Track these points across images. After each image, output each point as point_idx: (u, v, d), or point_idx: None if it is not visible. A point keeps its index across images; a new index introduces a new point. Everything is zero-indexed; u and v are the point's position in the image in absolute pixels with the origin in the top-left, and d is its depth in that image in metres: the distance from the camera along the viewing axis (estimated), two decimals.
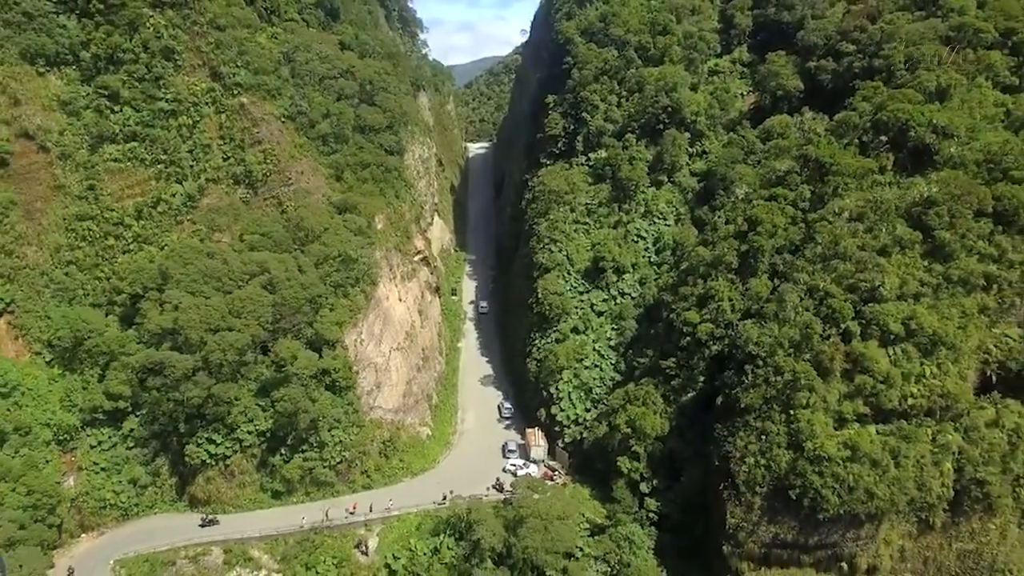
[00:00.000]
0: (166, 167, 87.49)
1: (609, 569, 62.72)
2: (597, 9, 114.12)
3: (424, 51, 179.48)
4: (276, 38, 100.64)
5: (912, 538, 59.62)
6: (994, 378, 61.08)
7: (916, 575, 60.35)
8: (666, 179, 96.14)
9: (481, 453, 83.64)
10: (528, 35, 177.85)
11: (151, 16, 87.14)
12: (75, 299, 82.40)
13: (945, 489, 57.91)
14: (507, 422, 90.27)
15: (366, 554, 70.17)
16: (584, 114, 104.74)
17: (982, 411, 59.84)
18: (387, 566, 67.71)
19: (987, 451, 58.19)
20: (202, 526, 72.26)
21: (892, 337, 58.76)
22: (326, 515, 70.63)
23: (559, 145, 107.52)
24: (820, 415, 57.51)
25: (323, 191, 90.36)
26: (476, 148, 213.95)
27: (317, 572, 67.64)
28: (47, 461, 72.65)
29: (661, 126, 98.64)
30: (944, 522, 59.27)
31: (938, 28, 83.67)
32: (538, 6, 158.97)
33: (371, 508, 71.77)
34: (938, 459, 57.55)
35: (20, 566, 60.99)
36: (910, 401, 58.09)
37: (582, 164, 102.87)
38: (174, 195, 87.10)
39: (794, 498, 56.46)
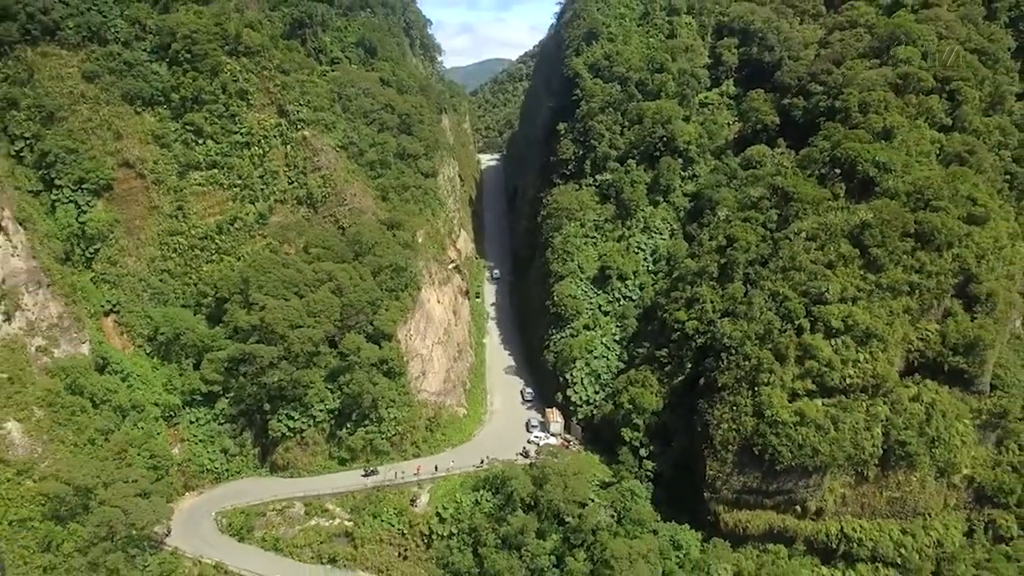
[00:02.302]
0: (241, 190, 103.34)
1: (615, 514, 79.19)
2: (602, 47, 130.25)
3: (441, 72, 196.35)
4: (325, 75, 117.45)
5: (851, 487, 76.56)
6: (916, 363, 78.11)
7: (855, 516, 77.31)
8: (662, 199, 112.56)
9: (508, 429, 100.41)
10: (538, 57, 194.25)
11: (229, 63, 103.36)
12: (168, 301, 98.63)
13: (875, 448, 74.68)
14: (529, 404, 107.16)
15: (415, 506, 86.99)
16: (591, 141, 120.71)
17: (906, 389, 76.76)
18: (438, 514, 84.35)
19: (908, 420, 74.95)
20: (364, 476, 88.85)
21: (834, 331, 75.77)
22: (396, 475, 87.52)
23: (569, 168, 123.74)
24: (777, 391, 74.50)
25: (372, 210, 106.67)
26: (487, 160, 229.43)
27: (382, 520, 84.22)
28: (158, 433, 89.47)
29: (658, 153, 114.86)
30: (876, 475, 76.08)
31: (888, 76, 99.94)
32: (546, 35, 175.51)
33: (436, 468, 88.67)
34: (869, 425, 74.38)
35: (153, 511, 77.62)
36: (848, 380, 75.00)
37: (590, 185, 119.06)
38: (248, 214, 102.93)
39: (757, 454, 73.52)
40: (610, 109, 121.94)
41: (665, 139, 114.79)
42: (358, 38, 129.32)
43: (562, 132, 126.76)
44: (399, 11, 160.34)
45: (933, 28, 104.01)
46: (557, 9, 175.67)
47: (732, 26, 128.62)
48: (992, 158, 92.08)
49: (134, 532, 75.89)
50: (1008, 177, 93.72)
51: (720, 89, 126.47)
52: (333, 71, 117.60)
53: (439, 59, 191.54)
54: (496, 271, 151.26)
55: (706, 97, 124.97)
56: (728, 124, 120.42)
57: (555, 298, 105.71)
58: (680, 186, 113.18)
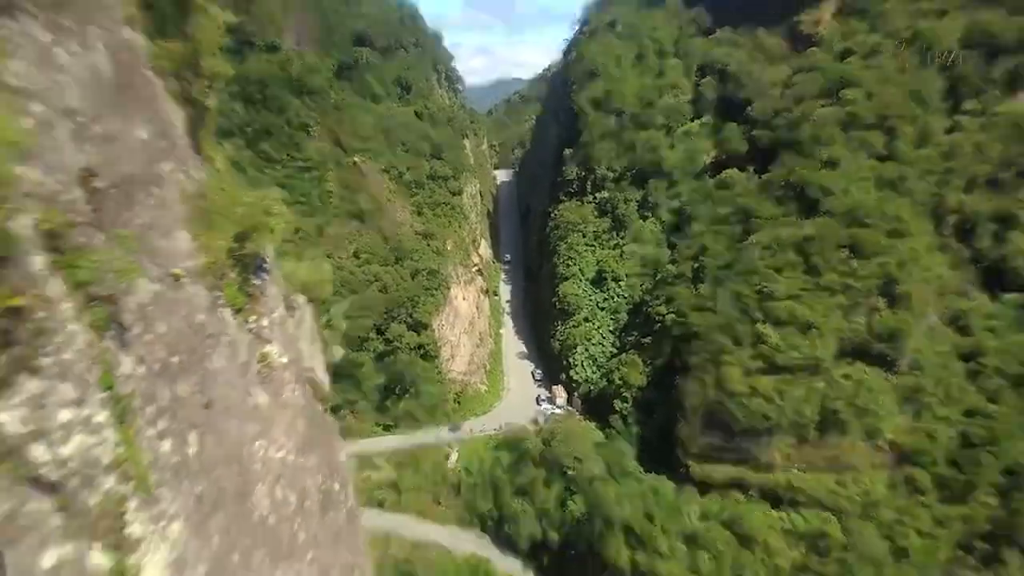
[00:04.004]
0: (303, 207, 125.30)
1: (608, 467, 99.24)
2: (602, 85, 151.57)
3: (463, 101, 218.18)
4: (370, 111, 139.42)
5: (794, 447, 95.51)
6: (848, 348, 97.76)
7: (799, 470, 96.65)
8: (650, 214, 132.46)
9: (521, 403, 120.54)
10: (547, 89, 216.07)
11: (294, 101, 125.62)
12: None
13: (814, 416, 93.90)
14: (538, 383, 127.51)
15: (447, 462, 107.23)
16: (592, 164, 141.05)
17: (839, 368, 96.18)
18: (465, 469, 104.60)
19: (841, 393, 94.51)
20: (450, 431, 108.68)
21: (781, 322, 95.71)
22: (436, 437, 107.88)
23: (573, 187, 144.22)
24: (735, 369, 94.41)
25: (410, 223, 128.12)
26: (502, 177, 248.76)
27: (421, 473, 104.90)
28: None
29: (647, 175, 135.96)
30: (814, 437, 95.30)
31: (837, 114, 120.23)
32: (554, 69, 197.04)
33: (471, 431, 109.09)
34: (809, 397, 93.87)
35: None
36: (792, 362, 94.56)
37: (590, 202, 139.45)
38: (308, 226, 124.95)
39: (719, 419, 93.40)
40: (608, 138, 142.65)
41: (654, 164, 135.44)
42: (395, 76, 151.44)
43: (568, 156, 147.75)
44: (428, 49, 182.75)
45: (876, 74, 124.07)
46: (564, 44, 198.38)
47: (713, 67, 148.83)
48: (920, 184, 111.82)
49: None
50: (935, 198, 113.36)
51: (701, 121, 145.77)
52: (377, 106, 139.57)
53: (461, 90, 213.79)
54: (507, 255, 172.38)
55: (689, 128, 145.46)
56: (707, 151, 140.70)
57: (560, 296, 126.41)
58: (665, 203, 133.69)
